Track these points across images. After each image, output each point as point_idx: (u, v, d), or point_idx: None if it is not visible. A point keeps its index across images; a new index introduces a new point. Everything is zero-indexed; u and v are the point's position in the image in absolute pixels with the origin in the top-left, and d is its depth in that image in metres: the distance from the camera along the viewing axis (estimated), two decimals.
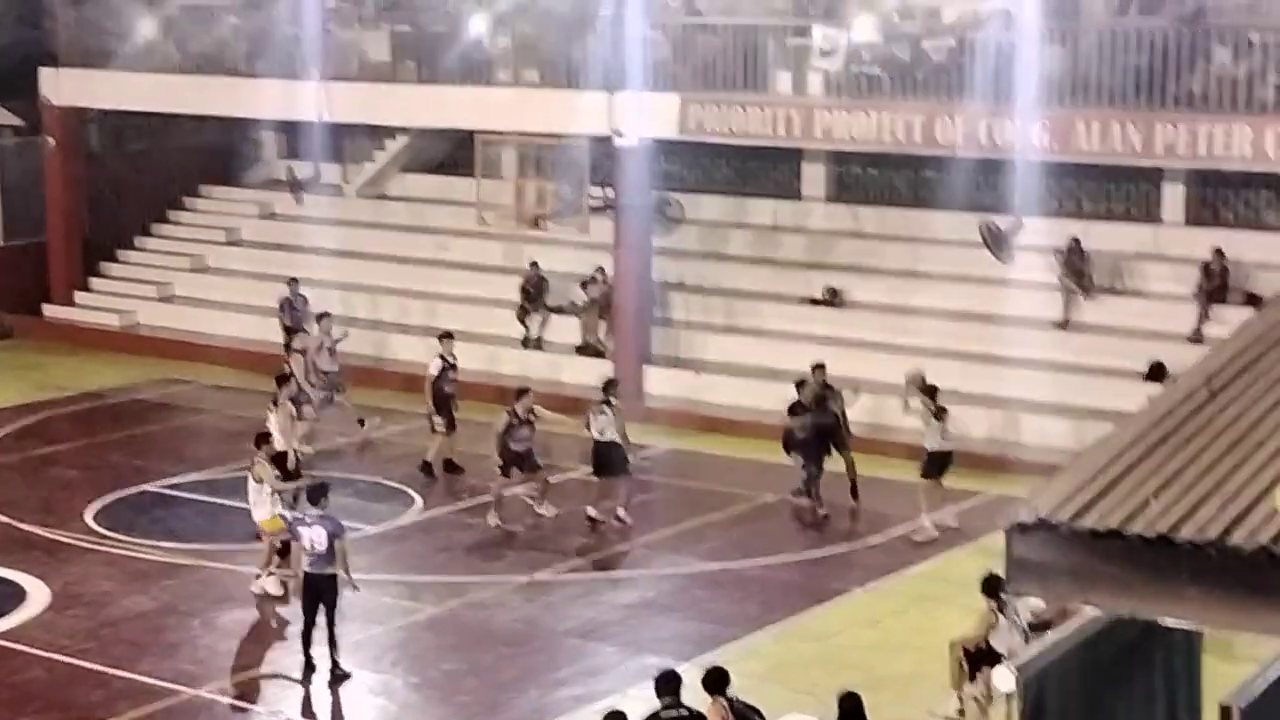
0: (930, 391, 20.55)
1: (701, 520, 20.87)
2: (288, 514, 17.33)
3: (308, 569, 15.90)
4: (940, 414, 20.35)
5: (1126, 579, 6.67)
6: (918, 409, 20.36)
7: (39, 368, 29.02)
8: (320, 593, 15.86)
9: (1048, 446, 22.04)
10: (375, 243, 30.73)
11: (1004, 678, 7.38)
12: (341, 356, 24.92)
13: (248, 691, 15.90)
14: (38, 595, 18.08)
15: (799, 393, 21.45)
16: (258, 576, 18.11)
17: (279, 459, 19.16)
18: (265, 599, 17.95)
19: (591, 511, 20.49)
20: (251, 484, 18.06)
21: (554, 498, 21.00)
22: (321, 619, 15.90)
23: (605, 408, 20.51)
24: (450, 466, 22.45)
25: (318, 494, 16.26)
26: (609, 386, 21.19)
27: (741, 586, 18.57)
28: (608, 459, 20.52)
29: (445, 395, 22.50)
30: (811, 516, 20.78)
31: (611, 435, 20.41)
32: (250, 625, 17.56)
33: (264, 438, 18.97)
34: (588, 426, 20.51)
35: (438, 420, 22.39)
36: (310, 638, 15.97)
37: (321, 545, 15.74)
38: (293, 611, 17.20)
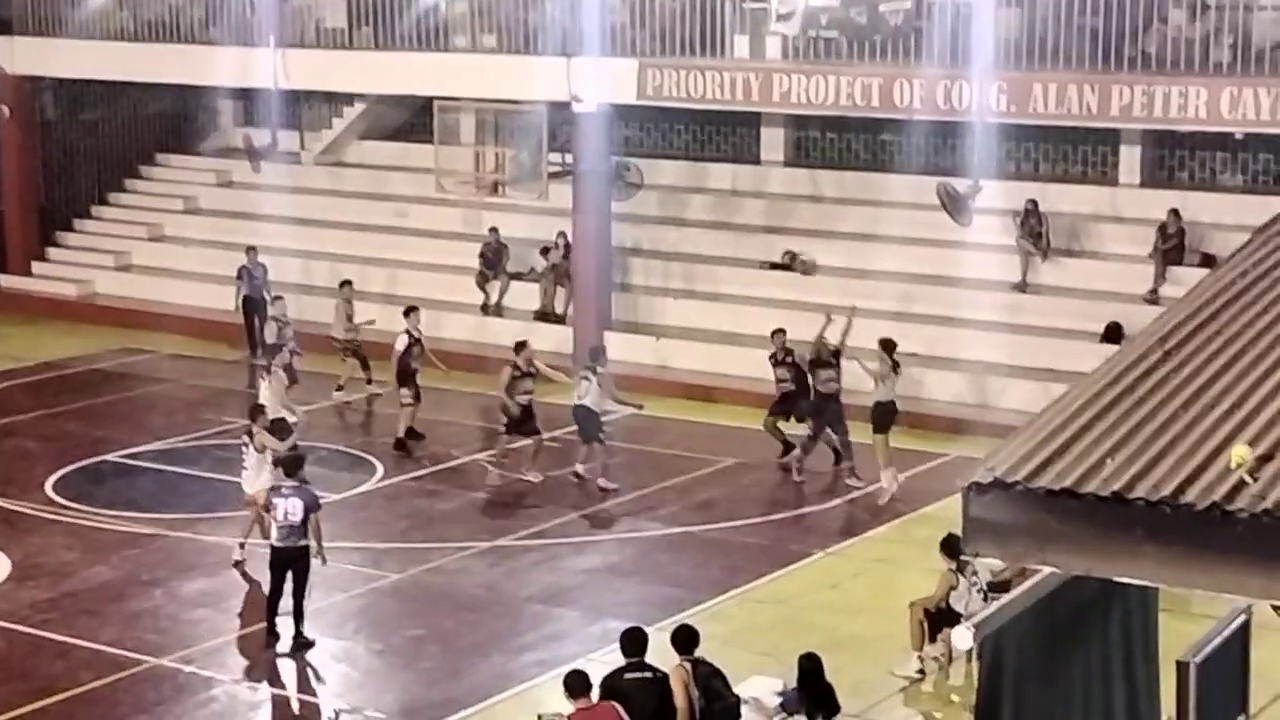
0: (889, 347, 20.56)
1: (663, 485, 20.93)
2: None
3: (277, 541, 15.71)
4: (896, 368, 20.43)
5: (1082, 538, 6.73)
6: (873, 368, 20.33)
7: None
8: (289, 564, 15.72)
9: (1006, 408, 22.16)
10: (334, 210, 30.65)
11: (962, 637, 7.43)
12: (300, 323, 24.93)
13: (210, 661, 15.89)
14: None
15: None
16: (241, 545, 18.00)
17: (277, 427, 19.04)
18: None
19: (579, 469, 20.85)
20: (251, 454, 17.75)
21: (515, 466, 21.05)
22: (287, 589, 15.85)
23: (590, 374, 20.78)
24: (411, 434, 22.45)
25: (294, 465, 16.12)
26: (595, 354, 21.45)
27: (703, 550, 18.65)
28: (581, 422, 20.79)
29: (411, 370, 22.45)
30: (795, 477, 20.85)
31: (588, 400, 20.68)
32: (212, 594, 17.53)
33: (259, 409, 18.84)
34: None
35: (404, 393, 22.35)
36: (275, 607, 15.94)
37: (296, 517, 15.57)
38: (255, 579, 17.24)
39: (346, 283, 25.45)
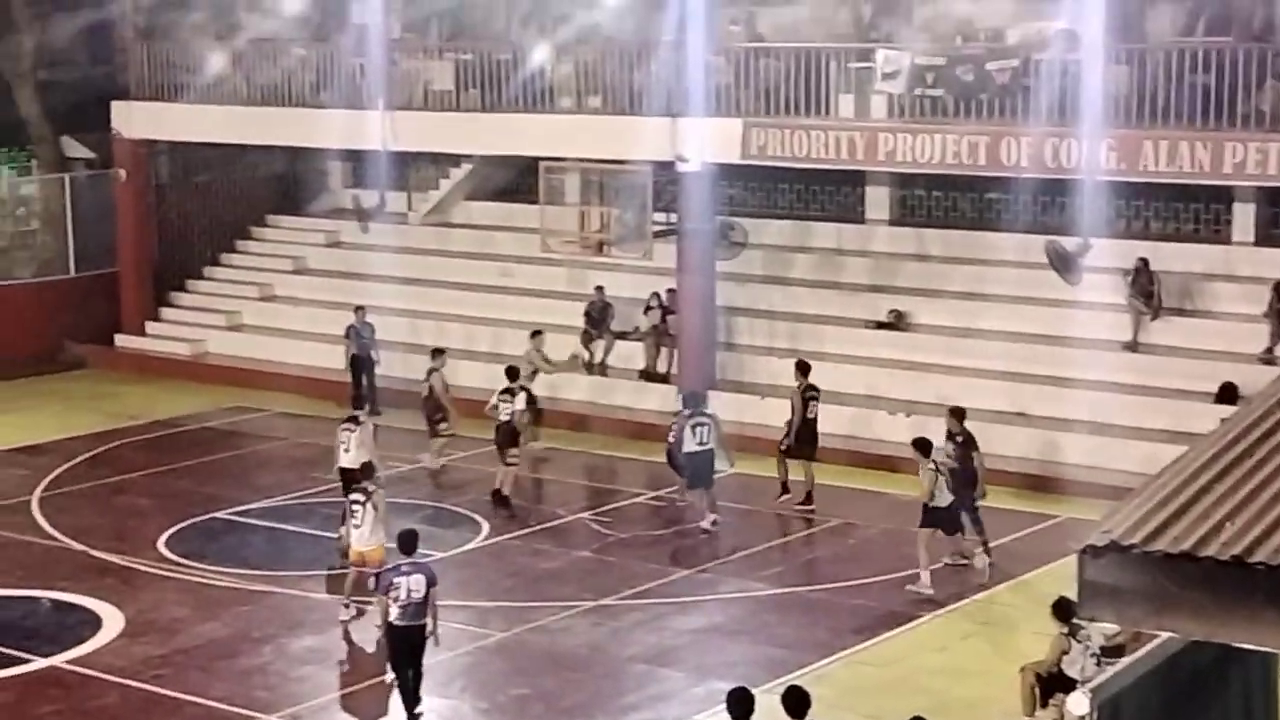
0: (959, 415, 20.01)
1: (768, 544, 20.84)
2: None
3: (399, 620, 15.19)
4: (964, 438, 19.71)
5: (1201, 602, 6.62)
6: (934, 464, 19.22)
7: (111, 397, 29.31)
8: (411, 643, 15.29)
9: (1117, 469, 21.86)
10: (440, 270, 30.91)
11: (1078, 703, 7.32)
12: (407, 382, 25.16)
13: (318, 718, 15.95)
14: (112, 622, 18.25)
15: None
16: (346, 605, 18.10)
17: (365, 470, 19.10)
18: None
19: (706, 524, 21.08)
20: (368, 511, 17.76)
21: (622, 523, 21.07)
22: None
23: (707, 419, 21.21)
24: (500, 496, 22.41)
25: (411, 542, 15.60)
26: (700, 399, 21.98)
27: (809, 611, 18.52)
28: (701, 467, 21.21)
29: (516, 433, 22.49)
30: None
31: (711, 444, 21.14)
32: (320, 651, 17.65)
33: (370, 466, 18.98)
34: (679, 436, 21.13)
35: (512, 453, 22.37)
36: (409, 690, 15.44)
37: (419, 594, 15.13)
38: (362, 637, 17.33)
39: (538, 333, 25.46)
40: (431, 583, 15.24)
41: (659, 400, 26.10)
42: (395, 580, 15.18)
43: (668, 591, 19.22)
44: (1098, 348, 24.39)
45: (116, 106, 31.68)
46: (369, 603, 17.65)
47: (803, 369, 22.32)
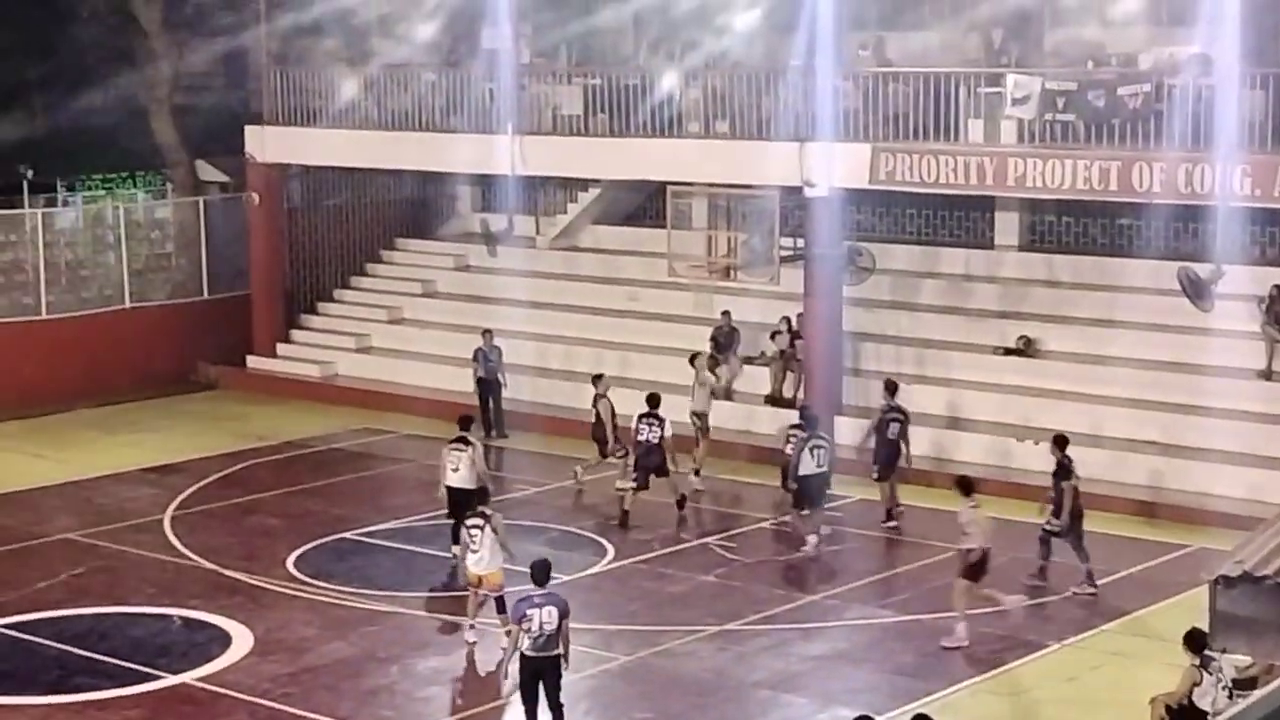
0: (1062, 444, 20.08)
1: (894, 571, 20.73)
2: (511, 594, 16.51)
3: (531, 651, 15.02)
4: (1068, 468, 19.77)
5: None
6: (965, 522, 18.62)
7: (242, 418, 29.75)
8: (544, 673, 15.15)
9: (1251, 499, 21.53)
10: (568, 294, 31.07)
11: None
12: (534, 405, 25.32)
13: None
14: (242, 640, 18.50)
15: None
16: (471, 627, 18.25)
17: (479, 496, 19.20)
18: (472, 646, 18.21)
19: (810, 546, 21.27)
20: (486, 535, 17.79)
21: (746, 549, 21.07)
22: (543, 700, 15.27)
23: (823, 441, 21.60)
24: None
25: (544, 573, 15.36)
26: (815, 421, 22.36)
27: (935, 639, 18.35)
28: (818, 491, 21.57)
29: (663, 457, 22.65)
30: None
31: (826, 466, 21.61)
32: (445, 673, 17.78)
33: (485, 492, 19.13)
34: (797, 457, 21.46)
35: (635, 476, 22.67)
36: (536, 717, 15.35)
37: (552, 625, 14.94)
38: (486, 658, 17.43)
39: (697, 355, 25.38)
40: (564, 614, 15.06)
41: (784, 425, 26.03)
42: (528, 611, 14.97)
43: (792, 617, 19.16)
44: (1231, 375, 24.02)
45: (250, 131, 32.21)
46: (491, 623, 17.85)
47: (890, 388, 22.52)
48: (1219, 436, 23.25)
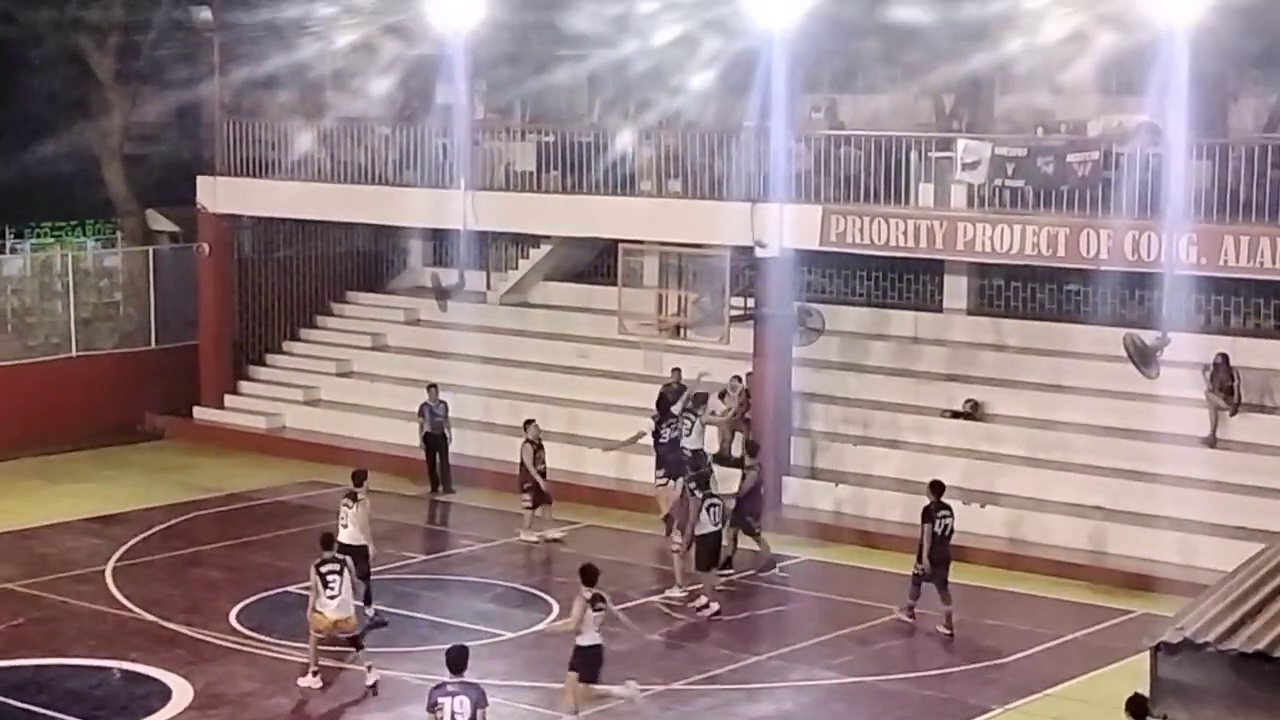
0: (938, 490, 20.85)
1: (840, 633, 20.68)
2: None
3: None
4: (941, 511, 20.63)
5: (1276, 703, 6.53)
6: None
7: (187, 469, 29.56)
8: None
9: (1195, 565, 21.61)
10: (518, 349, 31.03)
11: None
12: (481, 460, 25.25)
13: None
14: (181, 694, 18.31)
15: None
16: (315, 673, 18.44)
17: (359, 555, 19.90)
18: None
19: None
20: (344, 579, 18.31)
21: (692, 608, 20.99)
22: None
23: (717, 499, 21.70)
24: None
25: (460, 660, 14.58)
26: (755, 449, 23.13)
27: (880, 702, 18.35)
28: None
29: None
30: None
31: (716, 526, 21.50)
32: None
33: (330, 539, 19.26)
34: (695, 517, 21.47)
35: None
36: None
37: (464, 717, 14.17)
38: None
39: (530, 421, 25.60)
40: (478, 704, 14.26)
41: (733, 484, 26.05)
42: (440, 700, 14.27)
43: (737, 677, 19.09)
44: (1176, 442, 24.16)
45: (202, 181, 32.13)
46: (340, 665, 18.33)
47: (935, 489, 21.20)
48: (1163, 503, 23.38)
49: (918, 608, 20.84)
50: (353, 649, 18.78)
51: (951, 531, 20.92)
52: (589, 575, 17.50)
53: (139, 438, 31.90)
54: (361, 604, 19.66)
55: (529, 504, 24.40)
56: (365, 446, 29.69)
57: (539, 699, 18.27)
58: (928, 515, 20.67)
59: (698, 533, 21.25)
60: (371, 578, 20.88)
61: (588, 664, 17.25)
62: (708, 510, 21.27)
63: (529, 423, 25.13)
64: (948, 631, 20.47)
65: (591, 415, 28.39)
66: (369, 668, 18.51)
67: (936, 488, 21.05)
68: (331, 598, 18.22)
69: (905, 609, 20.84)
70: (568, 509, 25.06)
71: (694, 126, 28.22)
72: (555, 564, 23.53)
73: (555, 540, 24.34)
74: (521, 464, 24.64)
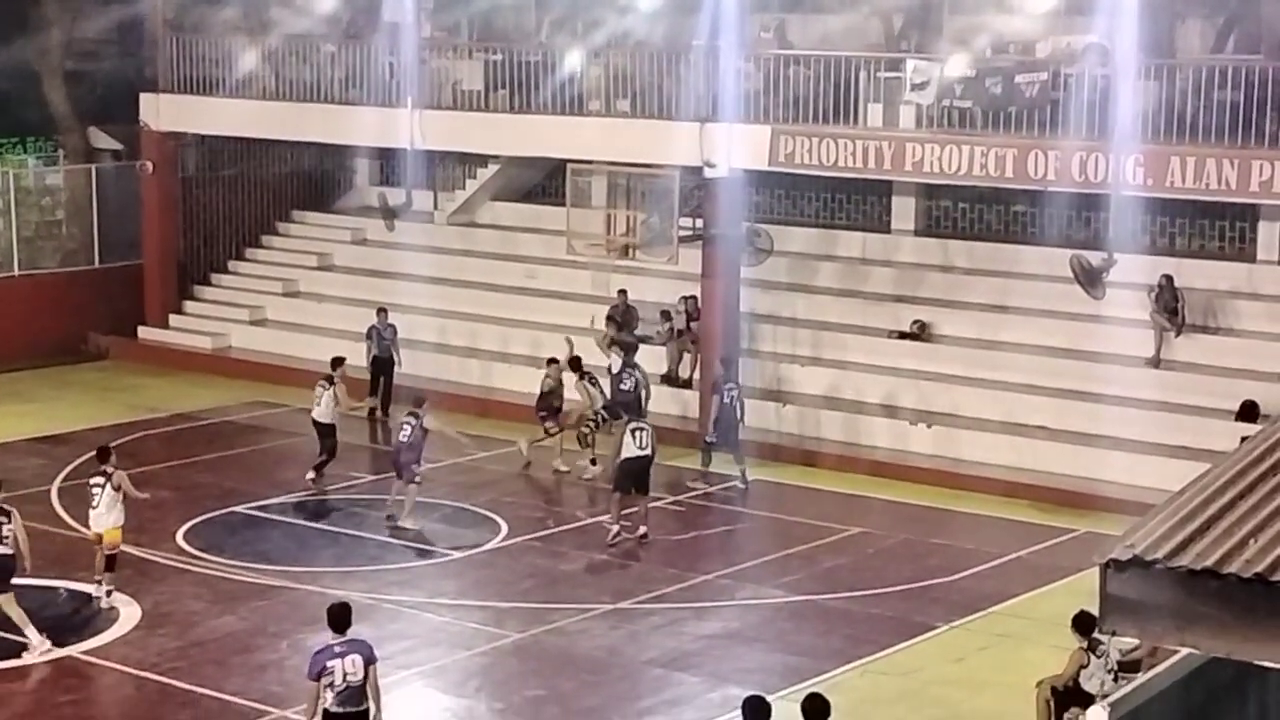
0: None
1: (787, 552, 20.83)
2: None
3: (335, 707, 13.28)
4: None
5: (1224, 619, 6.61)
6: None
7: (133, 389, 29.40)
8: None
9: (1138, 485, 21.81)
10: (466, 270, 30.94)
11: (1098, 716, 7.32)
12: (430, 382, 25.28)
13: None
14: (129, 614, 18.30)
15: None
16: (109, 594, 18.52)
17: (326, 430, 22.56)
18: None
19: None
20: (107, 493, 18.32)
21: (639, 526, 21.12)
22: None
23: (643, 423, 21.57)
24: None
25: (343, 618, 13.59)
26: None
27: (826, 620, 18.52)
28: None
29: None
30: None
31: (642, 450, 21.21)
32: None
33: (106, 451, 19.14)
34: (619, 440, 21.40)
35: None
36: None
37: (358, 676, 13.28)
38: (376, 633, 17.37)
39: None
40: (370, 661, 13.39)
41: (680, 405, 26.13)
42: (328, 664, 13.28)
43: (685, 596, 19.22)
44: (1121, 363, 24.35)
45: (145, 99, 31.78)
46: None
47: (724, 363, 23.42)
48: (1107, 423, 23.58)
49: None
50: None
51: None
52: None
53: (83, 358, 31.69)
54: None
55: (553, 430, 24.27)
56: (311, 366, 29.50)
57: (487, 618, 18.35)
58: (715, 388, 23.25)
59: (623, 455, 21.02)
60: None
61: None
62: (632, 434, 21.13)
63: (551, 361, 24.78)
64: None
65: (538, 335, 28.34)
66: (98, 581, 18.58)
67: (725, 362, 23.84)
68: (93, 508, 18.44)
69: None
70: (510, 429, 25.02)
71: (643, 46, 28.05)
72: (503, 483, 23.56)
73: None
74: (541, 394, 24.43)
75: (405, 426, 21.84)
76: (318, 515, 22.13)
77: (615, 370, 24.26)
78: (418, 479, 21.65)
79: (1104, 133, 22.66)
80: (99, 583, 18.63)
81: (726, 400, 23.50)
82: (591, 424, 23.83)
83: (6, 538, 17.08)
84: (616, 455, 21.23)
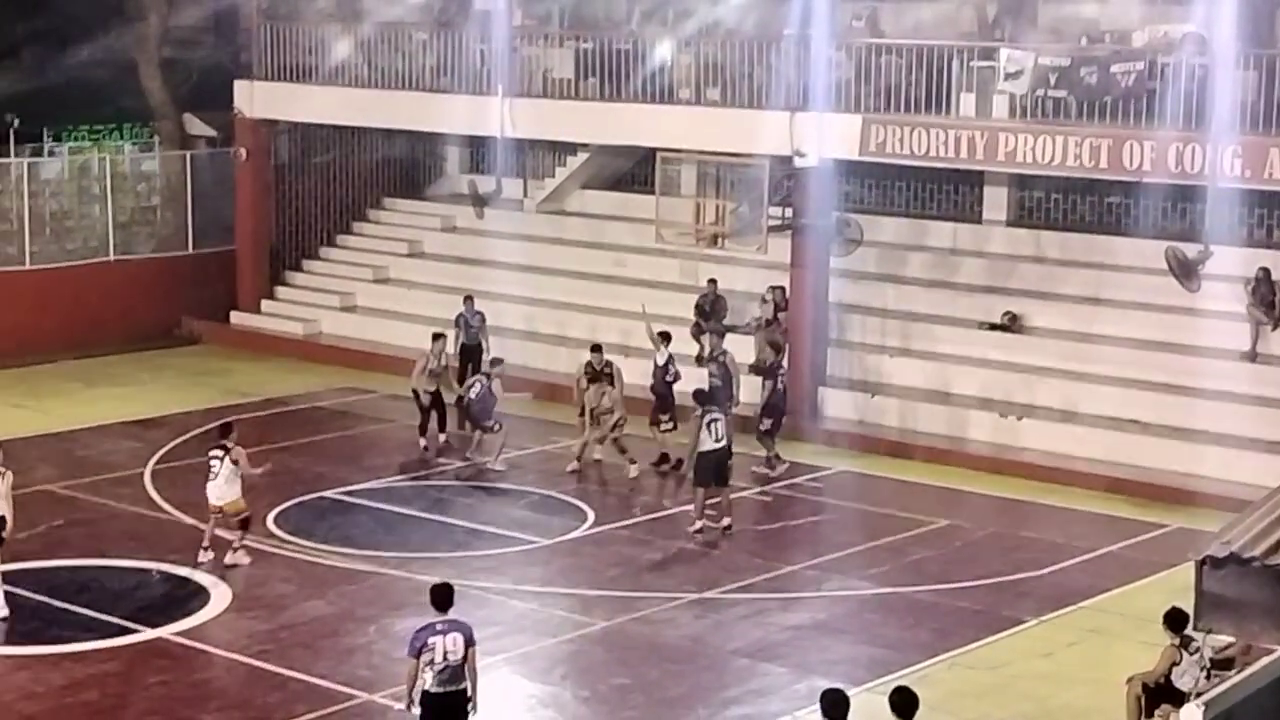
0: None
1: (873, 544, 20.72)
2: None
3: (435, 686, 13.38)
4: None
5: None
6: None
7: (224, 374, 29.66)
8: (453, 713, 13.54)
9: (1233, 480, 21.55)
10: (554, 258, 30.98)
11: (1191, 714, 7.21)
12: (518, 369, 25.40)
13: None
14: (219, 596, 18.48)
15: None
16: (205, 549, 19.38)
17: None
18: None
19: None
20: (225, 466, 19.14)
21: (721, 518, 21.11)
22: None
23: (719, 414, 21.24)
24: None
25: (444, 597, 13.75)
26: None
27: (913, 612, 18.39)
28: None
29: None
30: None
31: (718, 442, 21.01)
32: None
33: (228, 427, 19.83)
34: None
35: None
36: None
37: (458, 655, 13.39)
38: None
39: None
40: (470, 642, 13.48)
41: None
42: (430, 640, 13.37)
43: (772, 586, 19.16)
44: (1216, 357, 24.04)
45: (239, 86, 32.04)
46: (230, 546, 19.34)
47: (776, 348, 23.74)
48: (1202, 417, 23.28)
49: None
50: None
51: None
52: None
53: (176, 342, 32.01)
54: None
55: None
56: (400, 353, 29.70)
57: (573, 605, 18.37)
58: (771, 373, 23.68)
59: (700, 448, 20.89)
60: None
61: None
62: (708, 426, 20.97)
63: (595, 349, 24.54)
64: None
65: (626, 324, 28.32)
66: (205, 547, 19.43)
67: (777, 347, 24.22)
68: (212, 480, 19.22)
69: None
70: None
71: (734, 35, 27.96)
72: (591, 472, 23.59)
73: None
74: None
75: (476, 384, 23.44)
76: (406, 501, 22.22)
77: (661, 362, 24.06)
78: (496, 427, 23.22)
79: (1201, 123, 22.35)
80: (206, 548, 19.37)
81: (780, 386, 23.58)
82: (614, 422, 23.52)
83: None
84: (693, 449, 21.16)
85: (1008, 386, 25.06)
